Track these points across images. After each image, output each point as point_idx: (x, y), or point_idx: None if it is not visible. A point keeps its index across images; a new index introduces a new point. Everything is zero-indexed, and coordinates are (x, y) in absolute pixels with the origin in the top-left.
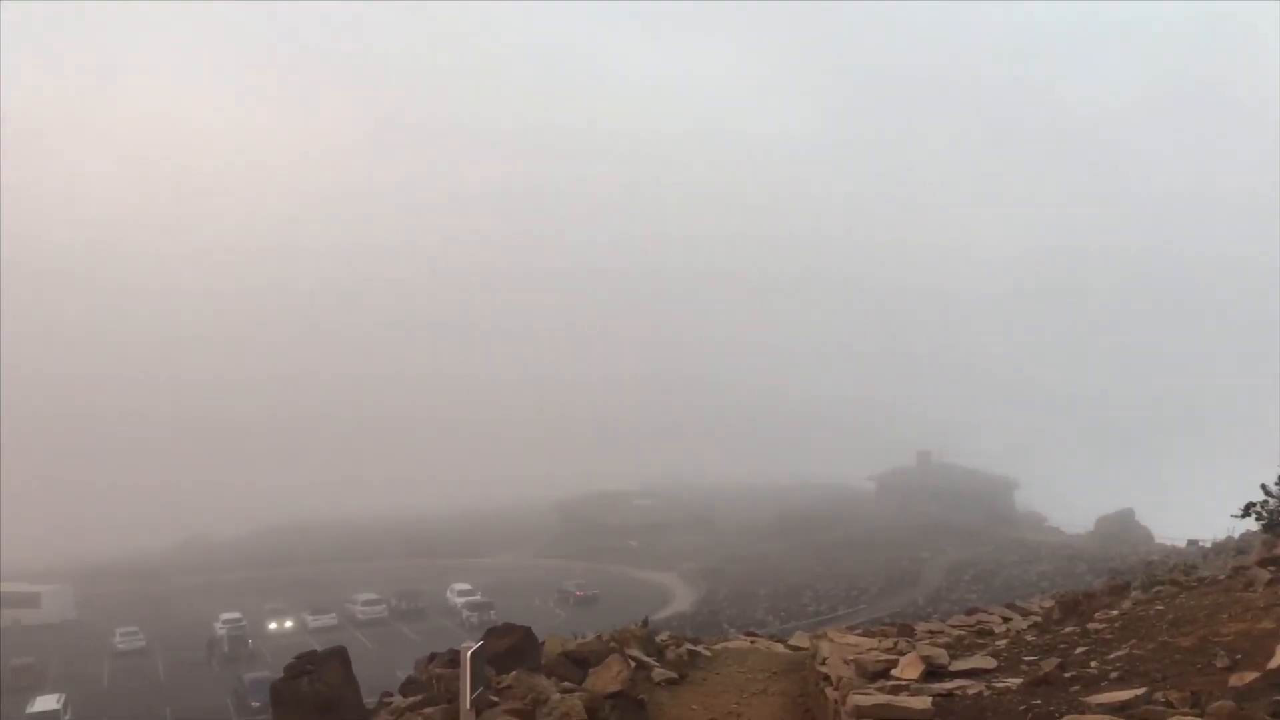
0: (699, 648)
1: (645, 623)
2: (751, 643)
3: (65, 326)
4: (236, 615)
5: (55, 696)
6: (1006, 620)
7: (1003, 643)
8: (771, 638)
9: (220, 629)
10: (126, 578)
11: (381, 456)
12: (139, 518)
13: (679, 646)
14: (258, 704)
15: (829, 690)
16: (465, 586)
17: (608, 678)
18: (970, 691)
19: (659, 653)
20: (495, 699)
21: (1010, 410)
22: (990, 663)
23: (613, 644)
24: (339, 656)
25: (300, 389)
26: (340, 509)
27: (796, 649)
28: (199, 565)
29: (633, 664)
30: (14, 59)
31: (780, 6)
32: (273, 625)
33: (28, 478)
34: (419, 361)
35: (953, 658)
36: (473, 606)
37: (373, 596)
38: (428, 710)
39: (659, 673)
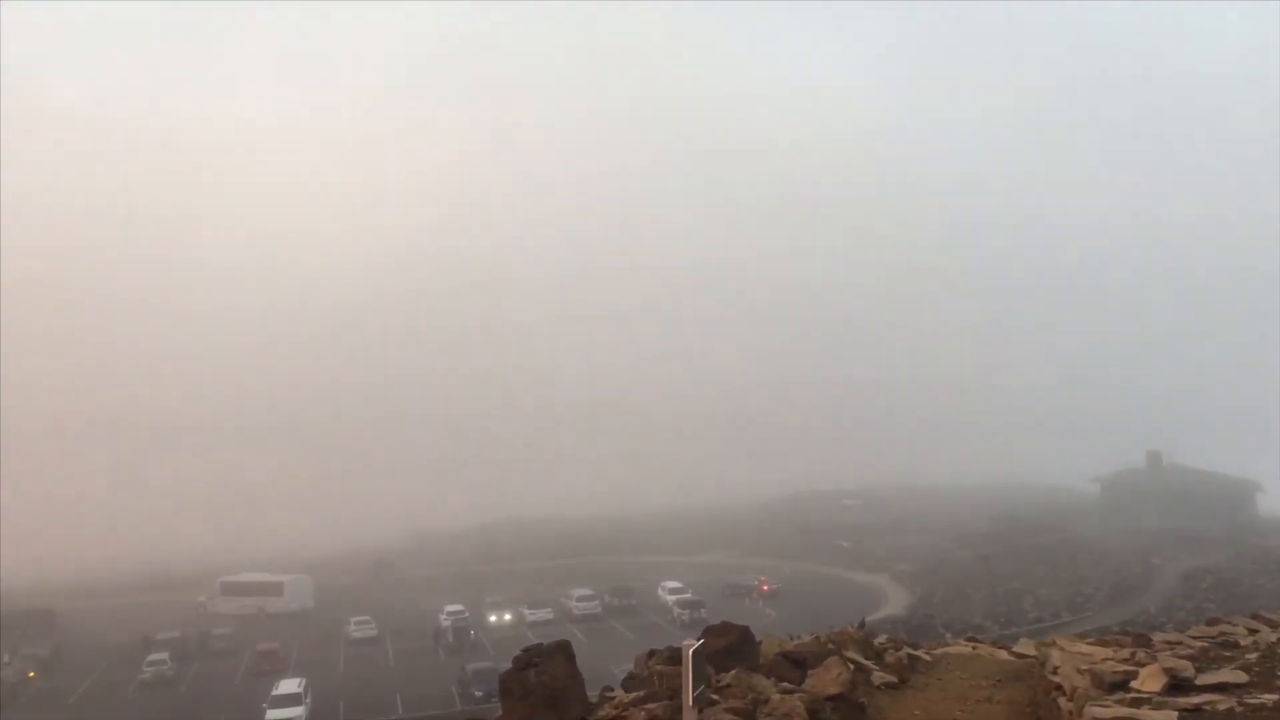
0: (919, 652)
1: (862, 625)
2: (973, 649)
3: (290, 334)
4: (459, 608)
5: (297, 680)
6: (1253, 632)
7: (1253, 656)
8: (994, 644)
9: (445, 620)
10: (360, 569)
11: (593, 456)
12: (372, 512)
13: (898, 650)
14: (481, 693)
15: (1062, 701)
16: (676, 584)
17: (828, 679)
18: (1220, 707)
19: (878, 656)
20: (716, 697)
21: (1251, 404)
22: (1241, 677)
23: (830, 645)
24: (564, 650)
25: (519, 396)
26: (554, 507)
27: (1022, 656)
28: (425, 559)
29: (852, 666)
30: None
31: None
32: (492, 618)
33: (271, 474)
34: (628, 367)
35: (1197, 671)
36: (684, 604)
37: (587, 592)
38: (650, 706)
39: (879, 676)
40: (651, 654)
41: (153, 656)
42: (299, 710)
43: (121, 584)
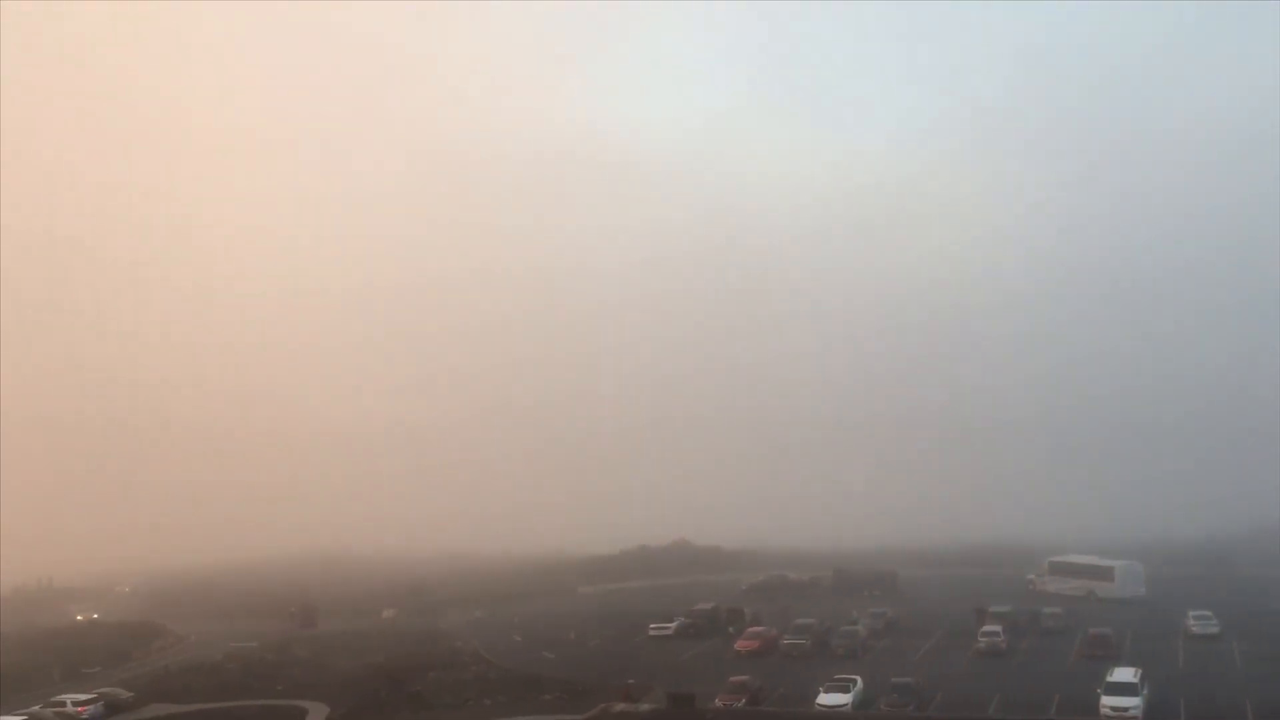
0: None
1: None
2: None
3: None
4: None
5: (1132, 670)
6: None
7: None
8: None
9: None
10: (1193, 561)
11: None
12: (1207, 500)
13: None
14: None
15: None
16: None
17: None
18: None
19: None
20: None
21: None
22: None
23: None
24: None
25: None
26: None
27: None
28: (1269, 556)
29: None
30: None
31: None
32: None
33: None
34: None
35: None
36: None
37: None
38: None
39: None
40: None
41: (987, 628)
42: (1136, 700)
43: (954, 555)
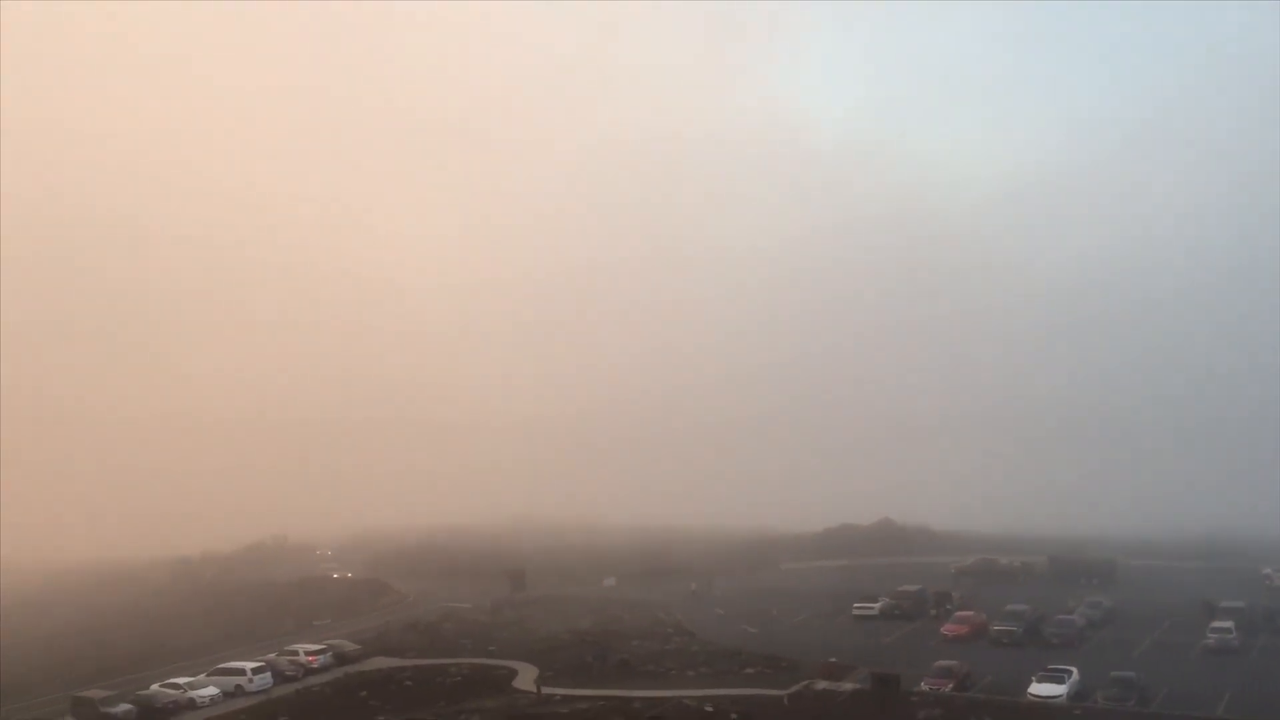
0: None
1: None
2: None
3: None
4: None
5: None
6: None
7: None
8: None
9: None
10: None
11: None
12: None
13: None
14: None
15: None
16: None
17: None
18: None
19: None
20: None
21: None
22: None
23: None
24: None
25: None
26: None
27: None
28: None
29: None
30: None
31: None
32: None
33: None
34: None
35: None
36: None
37: None
38: None
39: None
40: None
41: (1217, 624)
42: None
43: (1178, 547)
